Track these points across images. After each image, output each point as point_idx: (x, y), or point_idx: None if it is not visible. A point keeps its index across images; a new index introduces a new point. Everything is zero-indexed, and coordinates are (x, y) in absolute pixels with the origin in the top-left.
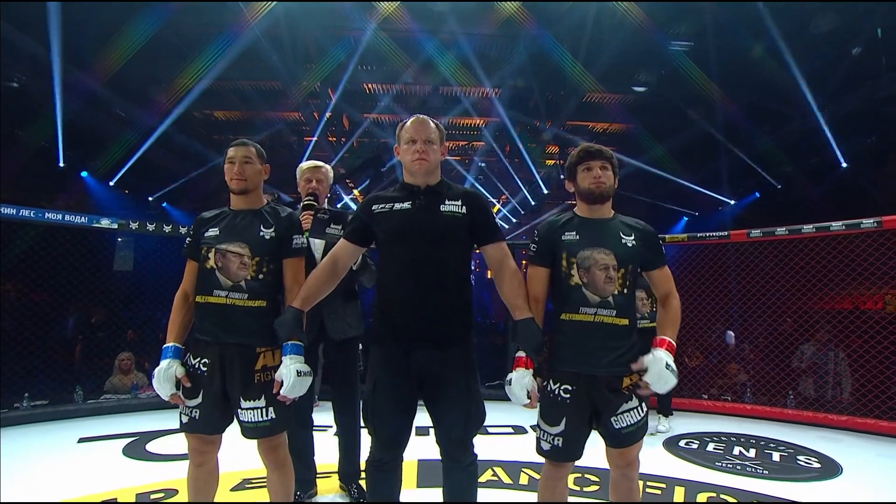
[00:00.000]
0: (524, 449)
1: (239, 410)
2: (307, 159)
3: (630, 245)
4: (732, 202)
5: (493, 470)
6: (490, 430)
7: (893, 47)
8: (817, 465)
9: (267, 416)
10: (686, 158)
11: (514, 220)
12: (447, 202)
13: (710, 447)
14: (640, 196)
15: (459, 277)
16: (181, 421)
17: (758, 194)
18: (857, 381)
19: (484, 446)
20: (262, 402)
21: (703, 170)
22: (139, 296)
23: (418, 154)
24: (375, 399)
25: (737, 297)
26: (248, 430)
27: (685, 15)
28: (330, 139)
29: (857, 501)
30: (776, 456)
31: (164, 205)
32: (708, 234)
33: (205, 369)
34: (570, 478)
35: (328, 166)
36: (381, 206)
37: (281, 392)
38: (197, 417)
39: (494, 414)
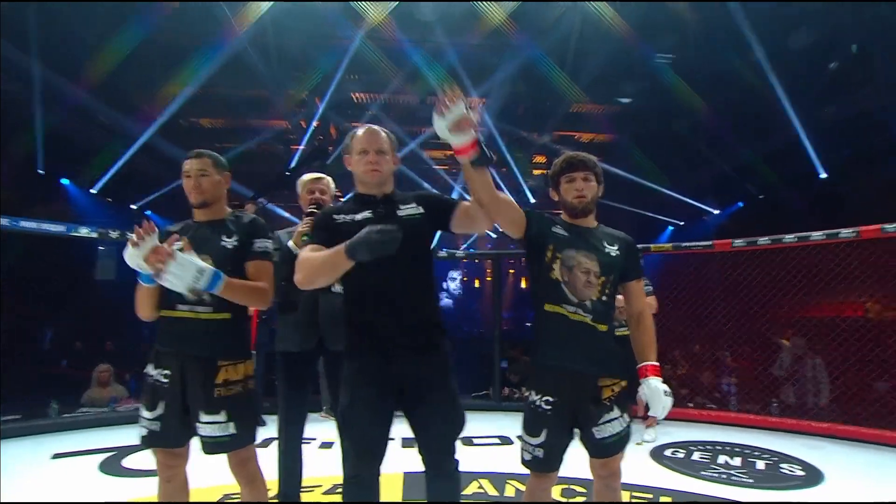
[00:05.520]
0: (510, 460)
1: (198, 425)
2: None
3: (614, 255)
4: (716, 212)
5: (478, 482)
6: (476, 440)
7: (867, 63)
8: (801, 473)
9: (227, 431)
10: (671, 169)
11: (499, 230)
12: (402, 206)
13: (696, 456)
14: (627, 206)
15: (428, 282)
16: (141, 435)
17: (741, 204)
18: (838, 388)
19: (469, 458)
20: (222, 417)
21: (688, 180)
22: (121, 305)
23: (371, 165)
24: (353, 412)
25: (721, 306)
26: (208, 446)
27: (668, 28)
28: None
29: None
30: (760, 464)
31: (148, 213)
32: (692, 244)
33: (166, 381)
34: (557, 489)
35: (329, 178)
36: (341, 216)
37: None
38: (158, 430)
39: (480, 424)
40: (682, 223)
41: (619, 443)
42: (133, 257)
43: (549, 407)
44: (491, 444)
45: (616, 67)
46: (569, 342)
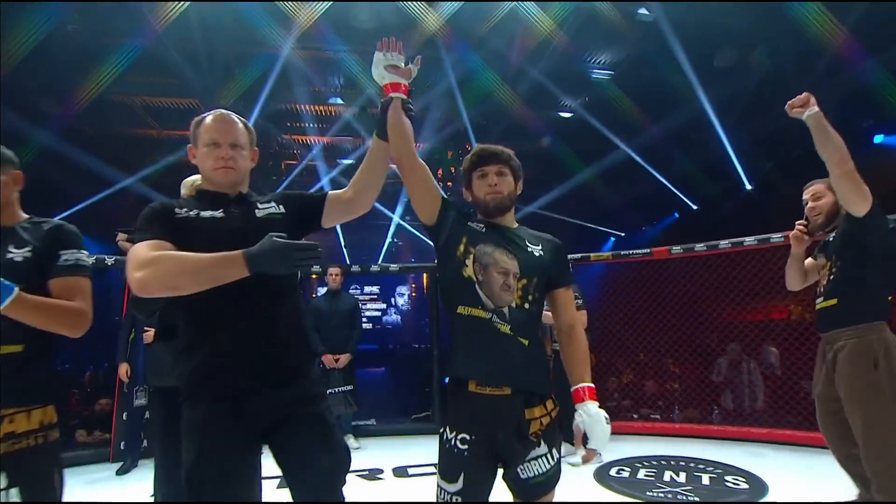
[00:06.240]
0: None
1: None
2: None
3: (537, 255)
4: (655, 223)
5: None
6: (410, 470)
7: (782, 83)
8: (745, 486)
9: (6, 500)
10: (612, 181)
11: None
12: (260, 206)
13: (642, 474)
14: (570, 218)
15: (291, 296)
16: None
17: (676, 215)
18: (770, 390)
19: (402, 491)
20: (1, 483)
21: (628, 192)
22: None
23: (223, 161)
24: (202, 471)
25: (661, 314)
26: None
27: (606, 44)
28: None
29: None
30: (706, 478)
31: None
32: (632, 251)
33: None
34: None
35: None
36: (182, 210)
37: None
38: None
39: (417, 451)
40: (623, 234)
41: (546, 483)
42: None
43: (465, 447)
44: (428, 472)
45: (556, 81)
46: (488, 352)
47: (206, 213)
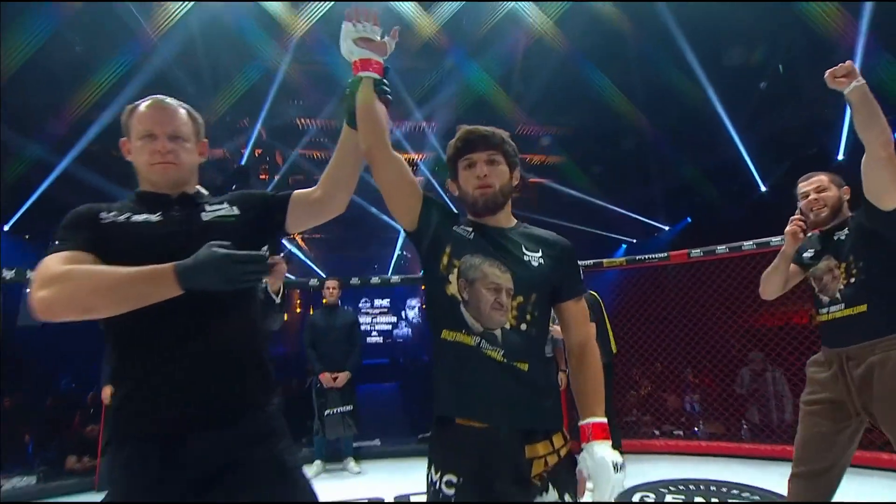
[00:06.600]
0: None
1: None
2: None
3: (536, 264)
4: (667, 228)
5: None
6: (413, 499)
7: (792, 82)
8: None
9: None
10: (621, 188)
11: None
12: (209, 208)
13: (669, 500)
14: (580, 226)
15: (244, 312)
16: None
17: (689, 219)
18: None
19: None
20: None
21: (638, 198)
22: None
23: (160, 156)
24: None
25: (679, 322)
26: None
27: (609, 46)
28: (262, 177)
29: None
30: None
31: None
32: (648, 256)
33: None
34: None
35: None
36: (110, 214)
37: None
38: None
39: (422, 475)
40: (634, 241)
41: None
42: None
43: (451, 491)
44: None
45: (559, 86)
46: (476, 385)
47: (140, 217)
